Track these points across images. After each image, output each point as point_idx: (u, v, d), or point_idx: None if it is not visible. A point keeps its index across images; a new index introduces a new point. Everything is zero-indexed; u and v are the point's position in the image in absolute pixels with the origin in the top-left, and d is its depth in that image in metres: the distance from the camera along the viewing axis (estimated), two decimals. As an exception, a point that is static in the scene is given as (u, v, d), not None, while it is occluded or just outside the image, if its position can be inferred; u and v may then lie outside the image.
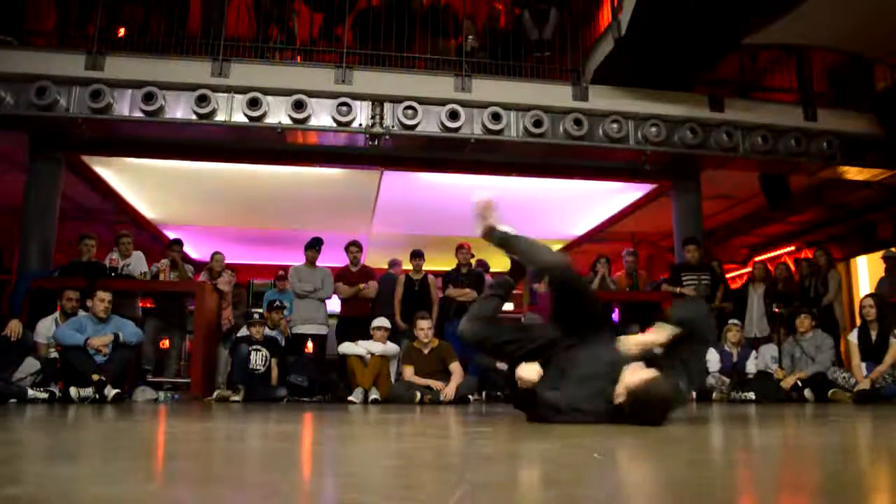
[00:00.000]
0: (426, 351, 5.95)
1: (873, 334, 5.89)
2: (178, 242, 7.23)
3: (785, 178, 8.27)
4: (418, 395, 5.72)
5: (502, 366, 6.06)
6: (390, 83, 6.83)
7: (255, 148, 7.27)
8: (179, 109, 6.51)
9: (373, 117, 6.72)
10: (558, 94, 7.08)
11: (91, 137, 6.82)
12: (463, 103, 6.81)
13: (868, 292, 7.25)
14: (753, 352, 6.45)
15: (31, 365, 5.17)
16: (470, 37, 7.38)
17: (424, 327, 5.96)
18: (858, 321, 6.20)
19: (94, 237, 6.65)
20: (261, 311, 6.72)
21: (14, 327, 5.25)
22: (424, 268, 7.32)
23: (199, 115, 6.45)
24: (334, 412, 4.40)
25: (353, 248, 7.32)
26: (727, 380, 6.21)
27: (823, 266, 7.35)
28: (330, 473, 1.61)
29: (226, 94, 6.55)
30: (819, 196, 9.03)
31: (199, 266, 8.87)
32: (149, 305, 7.44)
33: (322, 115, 6.67)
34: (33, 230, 6.64)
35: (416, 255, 7.25)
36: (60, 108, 6.31)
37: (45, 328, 5.59)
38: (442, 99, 6.81)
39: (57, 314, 5.65)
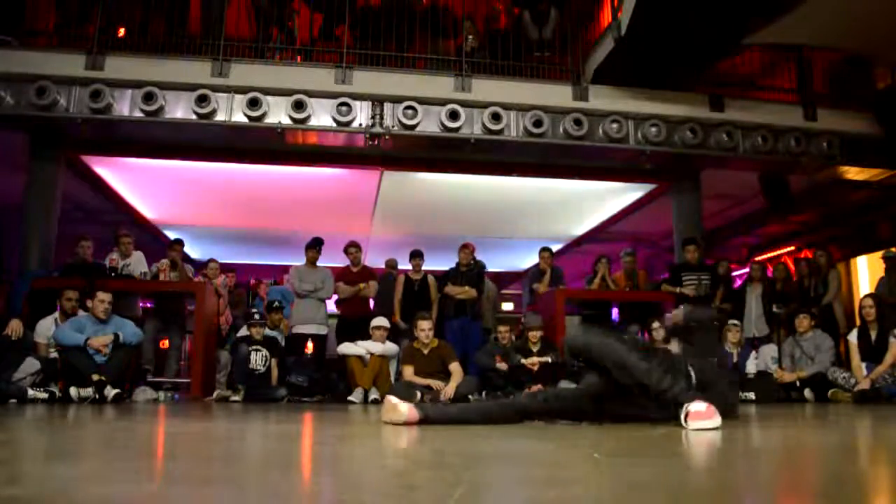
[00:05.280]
0: (426, 351, 5.95)
1: (873, 334, 5.89)
2: (179, 242, 7.23)
3: (786, 182, 8.26)
4: (418, 394, 5.71)
5: (502, 365, 6.07)
6: (390, 83, 6.83)
7: (255, 148, 7.27)
8: (179, 109, 6.51)
9: (373, 117, 6.72)
10: (558, 94, 7.08)
11: (91, 137, 6.82)
12: (463, 103, 6.81)
13: (868, 292, 7.25)
14: (753, 352, 6.45)
15: (31, 365, 5.17)
16: (470, 37, 7.38)
17: (425, 328, 5.95)
18: (858, 321, 6.19)
19: (89, 239, 6.66)
20: (261, 311, 6.72)
21: (15, 327, 5.25)
22: (424, 268, 7.32)
23: (199, 115, 6.45)
24: (334, 412, 4.40)
25: (353, 248, 7.32)
26: (727, 380, 6.20)
27: (823, 266, 7.35)
28: (330, 473, 1.61)
29: (226, 94, 6.55)
30: (819, 196, 9.03)
31: (199, 266, 8.87)
32: (149, 305, 7.44)
33: (322, 115, 6.67)
34: (33, 230, 6.64)
35: (416, 255, 7.25)
36: (60, 108, 6.31)
37: (45, 328, 5.59)
38: (442, 99, 6.81)
39: (57, 314, 5.65)
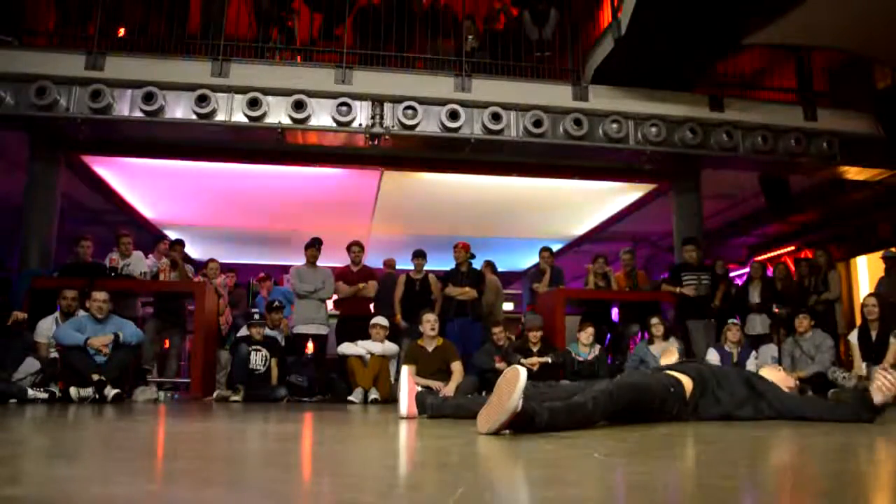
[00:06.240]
0: (430, 348, 5.92)
1: (874, 334, 5.89)
2: (180, 242, 7.23)
3: (785, 181, 8.26)
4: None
5: (501, 366, 6.06)
6: (390, 83, 6.83)
7: (255, 148, 7.27)
8: (179, 109, 6.51)
9: (373, 117, 6.72)
10: (558, 94, 7.08)
11: (91, 137, 6.82)
12: (463, 103, 6.81)
13: (869, 292, 7.25)
14: (753, 352, 6.45)
15: (31, 365, 5.18)
16: (470, 37, 7.38)
17: (431, 319, 5.93)
18: (859, 321, 6.19)
19: (89, 238, 6.66)
20: (261, 311, 6.72)
21: (18, 315, 5.29)
22: (424, 268, 7.31)
23: (199, 115, 6.45)
24: (334, 412, 4.40)
25: (355, 247, 7.30)
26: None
27: (823, 266, 7.35)
28: (330, 473, 1.61)
29: (226, 94, 6.56)
30: (819, 196, 9.03)
31: (199, 266, 8.88)
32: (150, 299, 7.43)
33: (322, 115, 6.67)
34: (33, 230, 6.64)
35: (418, 255, 7.24)
36: (60, 108, 6.31)
37: (46, 328, 5.59)
38: (442, 99, 6.81)
39: (57, 314, 5.66)
